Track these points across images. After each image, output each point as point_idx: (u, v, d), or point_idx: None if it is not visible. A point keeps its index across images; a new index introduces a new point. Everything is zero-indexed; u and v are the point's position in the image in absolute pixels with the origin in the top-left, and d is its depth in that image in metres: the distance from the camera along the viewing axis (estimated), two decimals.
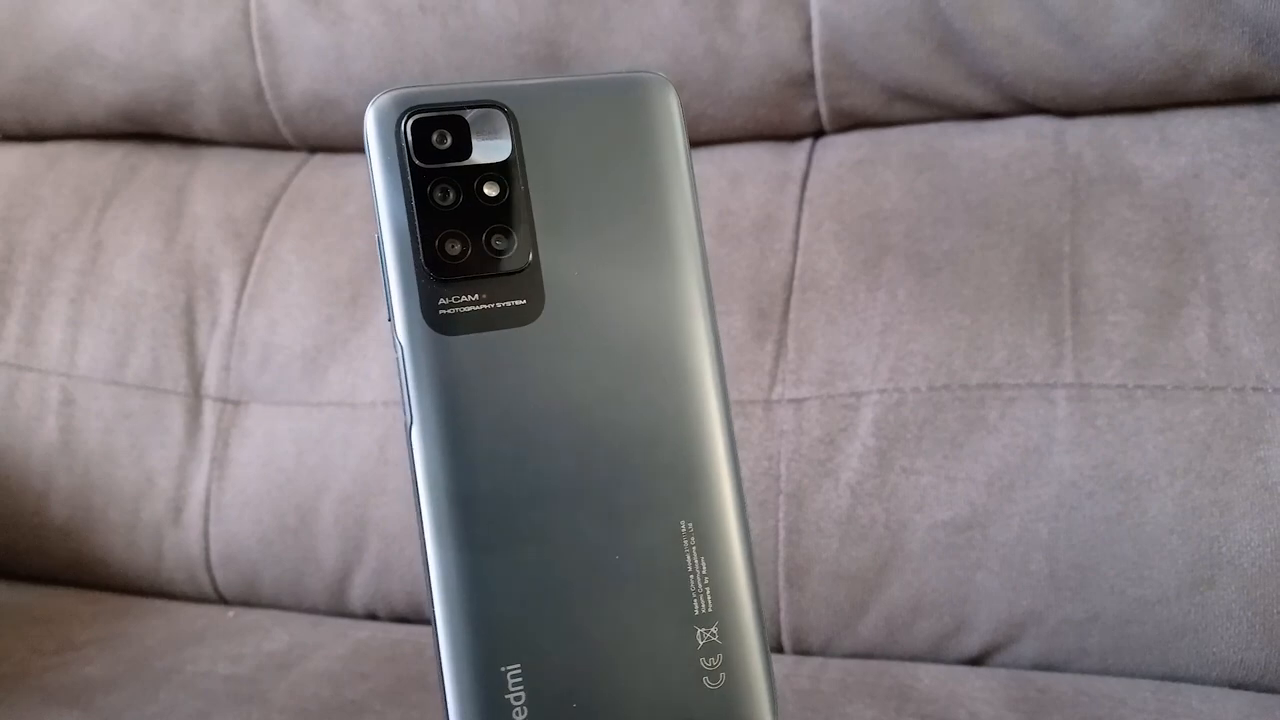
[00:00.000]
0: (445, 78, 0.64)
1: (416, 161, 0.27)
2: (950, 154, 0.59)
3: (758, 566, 0.29)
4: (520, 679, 0.26)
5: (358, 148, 0.70)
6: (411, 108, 0.27)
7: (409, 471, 0.26)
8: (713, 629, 0.27)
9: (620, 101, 0.28)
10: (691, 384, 0.28)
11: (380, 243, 0.27)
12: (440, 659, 0.26)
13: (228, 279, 0.66)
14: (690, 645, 0.27)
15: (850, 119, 0.62)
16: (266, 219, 0.68)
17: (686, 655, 0.27)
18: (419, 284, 0.26)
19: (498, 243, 0.27)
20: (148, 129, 0.73)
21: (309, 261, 0.65)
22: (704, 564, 0.27)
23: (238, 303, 0.66)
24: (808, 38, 0.59)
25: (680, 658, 0.27)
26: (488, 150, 0.27)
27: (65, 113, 0.73)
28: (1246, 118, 0.55)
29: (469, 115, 0.27)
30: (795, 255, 0.58)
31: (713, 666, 0.27)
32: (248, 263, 0.67)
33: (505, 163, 0.27)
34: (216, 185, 0.70)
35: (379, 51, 0.64)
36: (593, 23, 0.61)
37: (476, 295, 0.27)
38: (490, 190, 0.27)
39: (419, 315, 0.26)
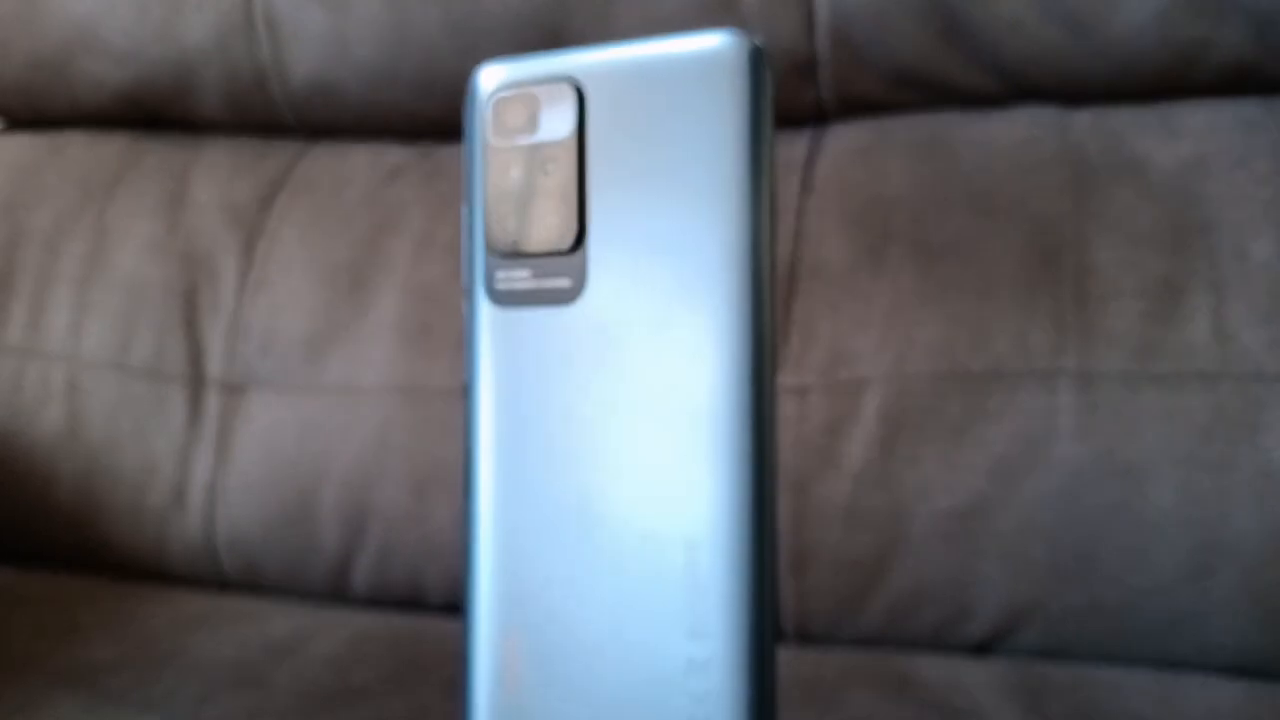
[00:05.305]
0: (447, 64, 0.64)
1: (489, 139, 0.27)
2: (953, 142, 0.58)
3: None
4: (520, 649, 0.26)
5: (360, 133, 0.70)
6: (499, 85, 0.27)
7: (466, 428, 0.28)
8: (704, 650, 0.25)
9: (699, 70, 0.26)
10: (725, 394, 0.25)
11: (465, 214, 0.28)
12: (465, 614, 0.27)
13: (230, 265, 0.67)
14: (679, 661, 0.25)
15: (853, 106, 0.62)
16: (269, 205, 0.68)
17: (672, 671, 0.25)
18: (485, 256, 0.28)
19: (547, 221, 0.27)
20: (152, 115, 0.73)
21: (311, 248, 0.65)
22: (709, 580, 0.25)
23: (240, 288, 0.66)
24: (811, 24, 0.59)
25: (666, 672, 0.25)
26: (552, 127, 0.27)
27: (70, 99, 0.73)
28: (1249, 107, 0.55)
29: (541, 91, 0.27)
30: (798, 243, 0.58)
31: (697, 689, 0.25)
32: (250, 249, 0.67)
33: (564, 140, 0.27)
34: (219, 171, 0.70)
35: (381, 36, 0.64)
36: (595, 8, 0.61)
37: (526, 271, 0.27)
38: (548, 168, 0.27)
39: (482, 286, 0.28)
